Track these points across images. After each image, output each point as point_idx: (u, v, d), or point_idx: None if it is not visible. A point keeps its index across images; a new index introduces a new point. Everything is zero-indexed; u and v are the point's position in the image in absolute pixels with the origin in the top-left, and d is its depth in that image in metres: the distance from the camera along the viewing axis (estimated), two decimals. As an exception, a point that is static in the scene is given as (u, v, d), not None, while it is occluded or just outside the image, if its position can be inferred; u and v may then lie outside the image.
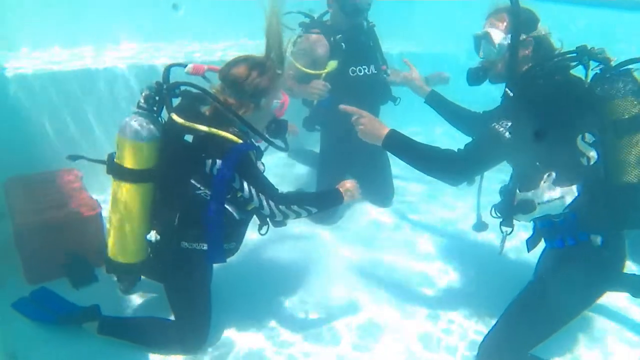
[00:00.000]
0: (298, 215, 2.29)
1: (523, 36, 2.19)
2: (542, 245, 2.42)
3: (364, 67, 3.50)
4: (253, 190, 2.18)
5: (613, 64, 2.08)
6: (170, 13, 4.54)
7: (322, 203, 2.44)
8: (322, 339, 2.55)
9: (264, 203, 2.20)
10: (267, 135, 2.31)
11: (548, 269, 2.38)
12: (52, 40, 4.01)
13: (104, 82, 3.61)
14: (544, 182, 2.10)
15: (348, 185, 2.49)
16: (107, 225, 2.29)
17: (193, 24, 4.70)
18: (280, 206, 2.22)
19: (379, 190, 3.95)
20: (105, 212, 2.93)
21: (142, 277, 2.54)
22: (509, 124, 2.09)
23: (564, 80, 2.13)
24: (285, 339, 2.54)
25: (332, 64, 3.31)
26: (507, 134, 2.08)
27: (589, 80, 2.11)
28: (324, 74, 3.33)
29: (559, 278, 2.26)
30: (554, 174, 2.09)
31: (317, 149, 3.98)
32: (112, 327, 2.40)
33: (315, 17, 3.59)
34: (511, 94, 2.22)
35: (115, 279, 2.43)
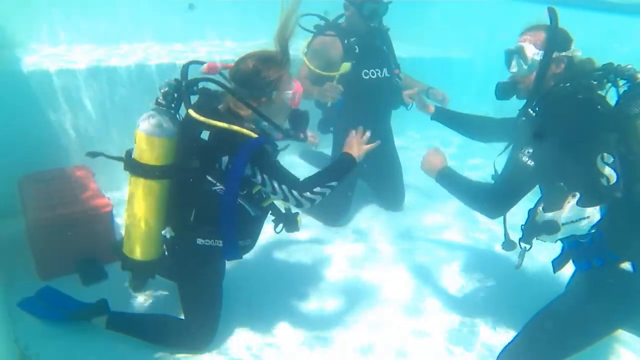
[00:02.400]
0: (323, 196, 2.26)
1: (556, 54, 2.20)
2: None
3: (377, 70, 3.50)
4: (275, 183, 2.17)
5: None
6: (187, 13, 4.56)
7: (340, 174, 2.36)
8: (329, 344, 2.55)
9: (287, 194, 2.19)
10: (288, 128, 2.30)
11: (576, 287, 2.35)
12: (69, 37, 4.03)
13: (120, 80, 3.62)
14: (568, 202, 2.07)
15: (353, 142, 2.46)
16: (124, 222, 2.29)
17: (210, 24, 4.72)
18: (304, 194, 2.20)
19: (389, 194, 3.95)
20: (117, 209, 2.99)
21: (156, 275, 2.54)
22: (530, 150, 2.15)
23: (586, 99, 2.10)
24: (291, 340, 2.54)
25: (346, 66, 3.31)
26: (529, 161, 2.15)
27: (617, 98, 2.06)
28: (337, 76, 3.33)
29: (585, 298, 2.21)
30: (578, 195, 2.05)
31: (328, 151, 3.98)
32: (120, 322, 2.41)
33: (331, 20, 3.59)
34: (533, 114, 2.23)
35: (130, 276, 2.44)
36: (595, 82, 2.12)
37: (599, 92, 2.13)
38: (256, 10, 4.74)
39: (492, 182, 2.41)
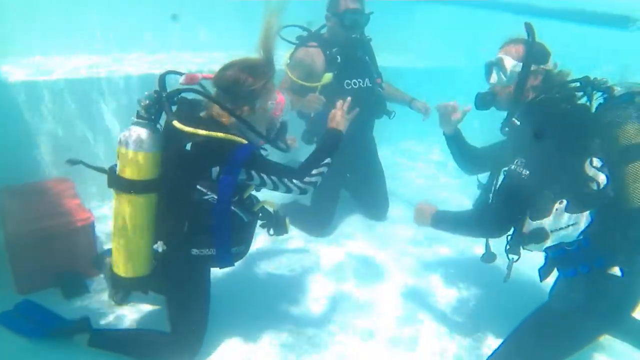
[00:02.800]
0: (322, 175, 2.29)
1: (534, 66, 2.26)
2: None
3: (359, 80, 3.53)
4: (275, 178, 2.19)
5: (616, 93, 2.11)
6: (169, 24, 4.56)
7: (330, 150, 2.39)
8: (316, 353, 2.54)
9: (289, 184, 2.21)
10: (270, 135, 2.32)
11: (561, 294, 2.34)
12: (49, 48, 4.01)
13: (99, 91, 3.61)
14: (556, 209, 2.08)
15: (337, 114, 2.49)
16: (112, 240, 2.25)
17: (192, 35, 4.72)
18: (305, 180, 2.23)
19: (373, 203, 3.96)
20: (99, 222, 2.97)
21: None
22: (524, 161, 2.13)
23: (569, 108, 2.16)
24: (278, 350, 2.53)
25: (328, 77, 3.34)
26: (525, 171, 2.12)
27: (593, 109, 2.13)
28: (319, 86, 3.35)
29: (570, 304, 2.22)
30: (565, 202, 2.06)
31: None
32: (103, 339, 2.38)
33: (313, 31, 3.61)
34: (518, 123, 2.26)
35: (111, 289, 2.41)
36: (577, 94, 2.18)
37: (580, 102, 2.18)
38: (238, 20, 4.76)
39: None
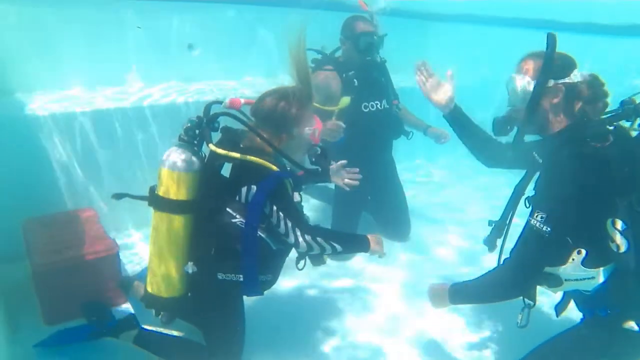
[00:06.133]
0: (322, 251, 2.27)
1: (552, 82, 1.97)
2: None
3: (376, 102, 3.54)
4: (281, 216, 2.18)
5: None
6: (186, 53, 4.60)
7: (348, 244, 2.42)
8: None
9: (290, 231, 2.20)
10: (308, 164, 2.34)
11: (582, 327, 2.20)
12: (71, 81, 4.07)
13: (120, 123, 3.65)
14: (573, 259, 1.91)
15: (380, 239, 2.47)
16: (148, 259, 2.31)
17: (208, 64, 4.75)
18: (306, 236, 2.21)
19: (395, 225, 3.92)
20: (123, 252, 2.98)
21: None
22: (544, 216, 1.92)
23: (596, 155, 1.84)
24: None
25: (345, 100, 3.36)
26: (544, 227, 1.91)
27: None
28: (336, 110, 3.36)
29: (587, 338, 2.10)
30: (584, 252, 1.89)
31: (331, 185, 3.97)
32: (148, 339, 2.41)
33: (328, 54, 3.64)
34: (540, 161, 2.09)
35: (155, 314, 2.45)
36: (610, 127, 1.86)
37: (612, 139, 1.87)
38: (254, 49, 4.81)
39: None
